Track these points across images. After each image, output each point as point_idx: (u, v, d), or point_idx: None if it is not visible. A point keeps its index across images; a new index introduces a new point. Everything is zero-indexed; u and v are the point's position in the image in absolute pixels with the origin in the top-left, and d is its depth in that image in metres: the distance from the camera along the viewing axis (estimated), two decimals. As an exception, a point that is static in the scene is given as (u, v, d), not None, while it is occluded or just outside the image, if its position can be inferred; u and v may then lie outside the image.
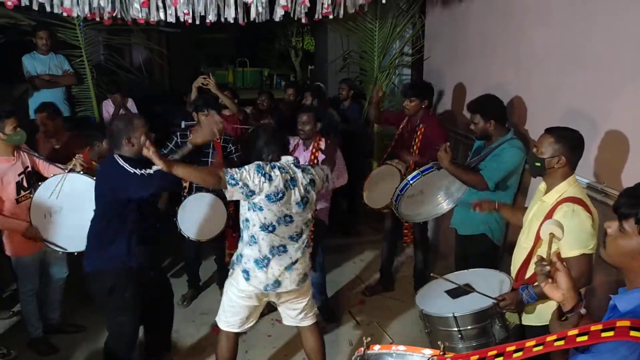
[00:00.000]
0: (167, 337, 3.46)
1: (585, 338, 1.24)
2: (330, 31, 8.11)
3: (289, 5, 3.72)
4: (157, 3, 3.73)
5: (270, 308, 3.64)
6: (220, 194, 4.07)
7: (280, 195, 2.69)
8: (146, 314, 3.07)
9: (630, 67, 2.66)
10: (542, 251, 2.08)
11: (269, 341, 3.77)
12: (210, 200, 3.93)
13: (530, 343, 1.29)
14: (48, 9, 3.59)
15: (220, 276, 4.40)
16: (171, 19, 3.84)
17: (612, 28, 2.79)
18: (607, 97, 2.84)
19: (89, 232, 2.92)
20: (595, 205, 2.40)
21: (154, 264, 3.17)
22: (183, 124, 4.34)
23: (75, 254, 3.35)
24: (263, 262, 2.75)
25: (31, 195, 3.31)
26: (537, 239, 2.37)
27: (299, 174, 2.80)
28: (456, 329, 2.44)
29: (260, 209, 2.69)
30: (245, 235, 2.80)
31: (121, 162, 2.77)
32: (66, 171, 3.33)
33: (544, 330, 2.33)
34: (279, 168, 2.73)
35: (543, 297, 2.26)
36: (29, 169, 3.42)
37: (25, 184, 3.36)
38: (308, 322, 3.05)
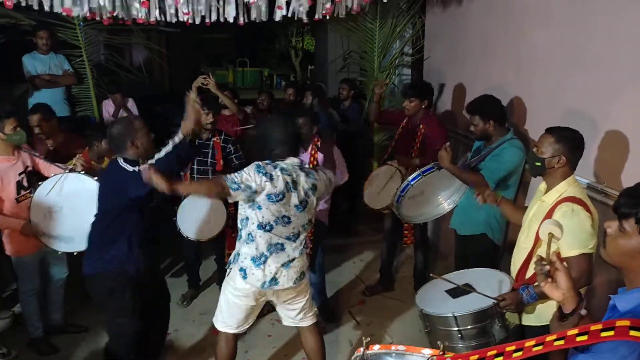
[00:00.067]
0: (161, 340, 3.45)
1: (585, 338, 1.24)
2: (331, 31, 8.10)
3: (283, 6, 3.71)
4: (158, 3, 3.73)
5: (270, 308, 3.64)
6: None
7: (281, 196, 2.68)
8: (144, 315, 3.07)
9: (630, 68, 2.66)
10: (541, 251, 2.08)
11: (269, 341, 3.77)
12: (210, 200, 3.93)
13: (530, 343, 1.29)
14: (47, 8, 3.58)
15: (220, 276, 4.39)
16: (173, 18, 3.83)
17: (612, 28, 2.79)
18: (607, 97, 2.84)
19: (89, 233, 2.92)
20: (595, 205, 2.40)
21: (153, 265, 3.16)
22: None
23: (75, 254, 3.35)
24: (260, 260, 2.74)
25: (31, 195, 3.31)
26: (537, 239, 2.37)
27: (302, 177, 2.78)
28: (456, 329, 2.44)
29: (259, 207, 2.69)
30: (243, 233, 2.80)
31: (122, 164, 2.80)
32: (67, 171, 3.34)
33: (543, 330, 2.33)
34: (282, 169, 2.71)
35: (543, 297, 2.26)
36: (29, 168, 3.43)
37: (25, 183, 3.36)
38: (307, 322, 3.04)
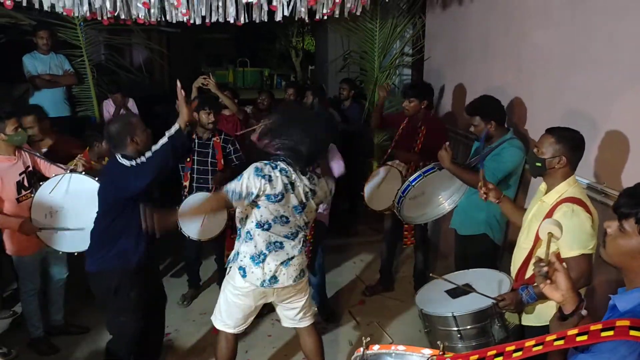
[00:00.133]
0: (160, 340, 3.45)
1: (584, 338, 1.24)
2: (331, 31, 8.11)
3: (278, 6, 3.71)
4: (158, 3, 3.73)
5: (270, 308, 3.64)
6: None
7: (280, 197, 2.67)
8: (145, 315, 3.07)
9: (630, 68, 2.66)
10: (541, 251, 2.08)
11: (269, 341, 3.77)
12: (211, 200, 3.93)
13: (529, 343, 1.29)
14: (46, 7, 3.58)
15: (220, 276, 4.39)
16: (175, 19, 3.84)
17: (612, 28, 2.79)
18: (607, 97, 2.84)
19: (92, 231, 2.92)
20: (595, 205, 2.40)
21: (154, 264, 3.17)
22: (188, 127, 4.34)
23: (76, 254, 3.36)
24: (259, 258, 2.74)
25: (32, 195, 3.31)
26: (537, 239, 2.37)
27: (304, 181, 2.75)
28: (455, 329, 2.44)
29: (258, 206, 2.69)
30: (242, 232, 2.80)
31: (120, 159, 2.81)
32: (67, 171, 3.34)
33: (543, 330, 2.33)
34: (281, 169, 2.70)
35: (543, 298, 2.26)
36: (30, 168, 3.43)
37: (26, 183, 3.36)
38: (306, 322, 3.03)
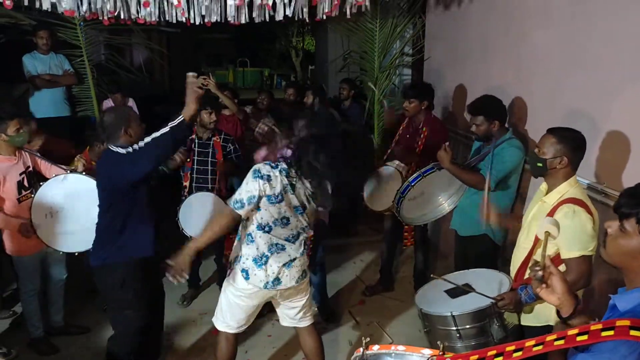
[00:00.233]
0: (159, 340, 3.45)
1: (585, 337, 1.24)
2: (331, 31, 8.12)
3: (270, 3, 3.71)
4: (159, 3, 3.73)
5: (270, 308, 3.64)
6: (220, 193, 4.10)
7: (280, 197, 2.66)
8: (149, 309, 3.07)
9: (630, 68, 2.66)
10: (538, 254, 2.08)
11: (269, 341, 3.77)
12: (212, 200, 3.93)
13: (530, 343, 1.29)
14: (45, 7, 3.57)
15: (220, 276, 4.40)
16: (175, 19, 3.84)
17: (612, 28, 2.79)
18: (607, 97, 2.84)
19: (96, 227, 2.92)
20: (595, 205, 2.40)
21: (157, 259, 3.17)
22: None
23: (76, 254, 3.36)
24: (262, 260, 2.74)
25: (32, 195, 3.31)
26: (537, 239, 2.37)
27: (306, 183, 2.73)
28: (454, 328, 2.44)
29: (259, 209, 2.68)
30: (243, 234, 2.80)
31: (114, 148, 2.78)
32: (68, 171, 3.34)
33: (542, 330, 2.34)
34: (281, 170, 2.68)
35: (541, 298, 2.26)
36: (30, 168, 3.43)
37: (26, 183, 3.36)
38: (306, 322, 3.03)
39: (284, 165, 2.69)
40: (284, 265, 2.77)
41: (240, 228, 2.83)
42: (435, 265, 4.80)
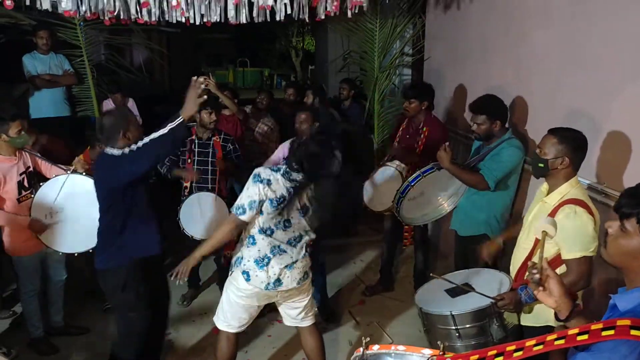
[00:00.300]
0: (161, 340, 3.44)
1: (585, 337, 1.24)
2: (331, 31, 8.11)
3: (271, 4, 3.71)
4: (159, 3, 3.73)
5: (270, 308, 3.64)
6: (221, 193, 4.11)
7: (281, 200, 2.66)
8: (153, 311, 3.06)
9: (630, 67, 2.66)
10: (536, 258, 2.08)
11: (269, 341, 3.77)
12: (212, 200, 3.94)
13: (530, 342, 1.29)
14: (45, 7, 3.57)
15: (220, 276, 4.40)
16: (173, 19, 3.84)
17: (612, 28, 2.79)
18: (607, 97, 2.84)
19: (98, 231, 2.91)
20: (595, 205, 2.40)
21: (161, 260, 3.17)
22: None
23: (76, 254, 3.36)
24: (263, 262, 2.74)
25: (32, 195, 3.31)
26: (537, 239, 2.37)
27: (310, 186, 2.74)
28: (454, 328, 2.45)
29: (261, 212, 2.68)
30: (244, 236, 2.80)
31: (109, 150, 2.77)
32: (68, 172, 3.34)
33: (542, 331, 2.34)
34: (284, 173, 2.68)
35: (541, 298, 2.26)
36: (31, 169, 3.43)
37: (26, 183, 3.36)
38: (308, 322, 3.04)
39: (286, 168, 2.69)
40: (285, 267, 2.77)
41: (241, 230, 2.83)
42: (435, 265, 4.79)
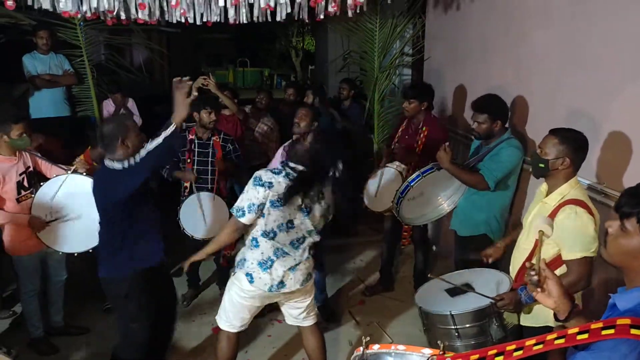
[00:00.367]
0: (168, 341, 3.44)
1: (585, 336, 1.24)
2: (331, 31, 8.11)
3: (273, 6, 3.71)
4: (159, 4, 3.73)
5: (270, 308, 3.65)
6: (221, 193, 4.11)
7: (283, 200, 2.67)
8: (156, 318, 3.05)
9: (630, 67, 2.66)
10: (542, 253, 2.08)
11: (269, 341, 3.77)
12: (212, 200, 3.94)
13: (530, 342, 1.29)
14: (45, 7, 3.57)
15: (220, 276, 4.40)
16: (173, 19, 3.84)
17: (612, 28, 2.79)
18: (607, 97, 2.84)
19: (99, 239, 2.91)
20: (595, 205, 2.40)
21: (166, 266, 3.17)
22: (183, 125, 4.34)
23: (76, 254, 3.36)
24: (267, 264, 2.74)
25: (32, 195, 3.31)
26: (537, 240, 2.36)
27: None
28: (453, 327, 2.45)
29: (263, 215, 2.68)
30: (247, 238, 2.80)
31: (109, 164, 2.74)
32: (69, 172, 3.34)
33: (541, 331, 2.33)
34: (285, 174, 2.68)
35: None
36: (31, 169, 3.43)
37: (26, 183, 3.36)
38: (310, 321, 3.05)
39: (289, 170, 2.69)
40: (289, 269, 2.77)
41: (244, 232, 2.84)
42: (435, 265, 4.79)
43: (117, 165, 2.71)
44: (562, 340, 1.26)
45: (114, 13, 3.74)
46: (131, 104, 5.75)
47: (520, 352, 1.27)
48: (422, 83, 4.86)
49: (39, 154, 3.55)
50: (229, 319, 2.92)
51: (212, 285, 4.56)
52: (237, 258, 2.87)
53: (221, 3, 3.70)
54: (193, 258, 2.90)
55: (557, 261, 2.35)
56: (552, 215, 2.33)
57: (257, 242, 2.74)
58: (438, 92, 4.96)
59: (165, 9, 3.75)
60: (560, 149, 2.36)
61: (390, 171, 3.99)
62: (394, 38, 5.66)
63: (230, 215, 3.83)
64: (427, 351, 1.76)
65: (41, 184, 3.33)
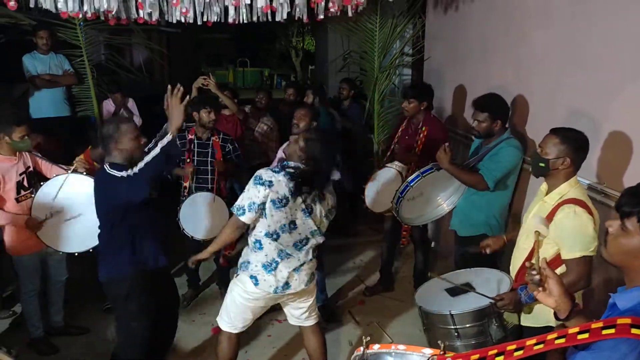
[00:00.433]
0: (169, 342, 3.44)
1: (586, 336, 1.24)
2: (331, 31, 8.11)
3: (278, 8, 3.71)
4: (159, 3, 3.73)
5: (270, 308, 3.64)
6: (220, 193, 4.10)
7: (285, 201, 2.66)
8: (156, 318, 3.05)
9: (630, 67, 2.66)
10: (541, 252, 2.08)
11: (269, 341, 3.77)
12: (212, 200, 3.93)
13: (530, 341, 1.29)
14: (45, 7, 3.57)
15: (220, 276, 4.40)
16: (173, 19, 3.84)
17: (612, 28, 2.79)
18: (607, 97, 2.84)
19: (99, 241, 2.91)
20: (595, 205, 2.39)
21: (167, 268, 3.17)
22: (183, 125, 4.34)
23: (76, 254, 3.36)
24: (271, 266, 2.74)
25: (32, 195, 3.32)
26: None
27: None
28: (453, 327, 2.45)
29: (265, 216, 2.68)
30: (250, 240, 2.79)
31: (109, 170, 2.74)
32: (69, 172, 3.34)
33: (542, 331, 2.33)
34: (285, 174, 2.68)
35: (541, 298, 2.26)
36: (31, 169, 3.43)
37: (26, 183, 3.37)
38: (311, 321, 3.06)
39: (289, 170, 2.69)
40: (293, 270, 2.78)
41: (247, 233, 2.84)
42: (435, 265, 4.79)
43: (116, 173, 2.71)
44: (562, 340, 1.26)
45: (114, 13, 3.73)
46: (131, 104, 5.75)
47: (521, 352, 1.27)
48: (422, 83, 4.86)
49: (39, 154, 3.55)
50: (231, 320, 2.92)
51: (212, 285, 4.56)
52: (240, 260, 2.87)
53: (227, 2, 3.70)
54: (198, 257, 2.96)
55: (556, 261, 2.35)
56: (551, 214, 2.33)
57: (260, 244, 2.74)
58: (438, 92, 4.96)
59: (165, 8, 3.74)
60: (561, 148, 2.36)
61: (390, 171, 3.99)
62: (394, 38, 5.66)
63: (231, 214, 3.87)
64: (428, 351, 1.77)
65: (41, 184, 3.33)
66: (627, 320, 1.22)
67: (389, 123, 5.68)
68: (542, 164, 2.41)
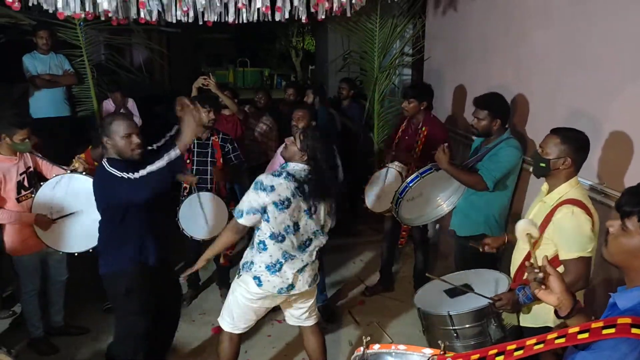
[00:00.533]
0: (169, 340, 3.44)
1: (586, 335, 1.24)
2: (331, 31, 8.11)
3: (282, 8, 3.71)
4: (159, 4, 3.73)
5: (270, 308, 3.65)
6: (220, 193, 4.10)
7: (287, 203, 2.65)
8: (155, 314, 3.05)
9: (630, 67, 2.66)
10: (540, 252, 2.08)
11: (269, 341, 3.77)
12: (211, 200, 3.93)
13: (530, 341, 1.29)
14: (45, 7, 3.57)
15: (220, 276, 4.40)
16: (174, 18, 3.83)
17: (612, 28, 2.79)
18: (607, 97, 2.84)
19: (99, 234, 2.91)
20: (595, 205, 2.39)
21: (168, 264, 3.17)
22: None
23: (76, 254, 3.36)
24: (275, 267, 2.74)
25: (32, 195, 3.32)
26: (536, 240, 2.36)
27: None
28: (452, 328, 2.45)
29: (268, 219, 2.67)
30: (254, 242, 2.79)
31: (108, 167, 2.72)
32: (69, 172, 3.34)
33: (541, 331, 2.34)
34: (286, 175, 2.68)
35: (539, 298, 2.26)
36: (31, 169, 3.43)
37: (26, 183, 3.37)
38: (311, 322, 3.05)
39: (289, 170, 2.70)
40: (298, 270, 2.78)
41: (251, 235, 2.84)
42: (435, 265, 4.80)
43: (116, 173, 2.68)
44: (562, 340, 1.26)
45: (113, 12, 3.73)
46: (131, 104, 5.75)
47: (521, 351, 1.27)
48: (422, 83, 4.86)
49: (39, 154, 3.55)
50: (234, 321, 2.91)
51: (212, 285, 4.56)
52: (242, 261, 2.87)
53: (230, 4, 3.70)
54: (193, 268, 2.93)
55: (554, 261, 2.35)
56: (550, 214, 2.33)
57: (264, 245, 2.74)
58: (438, 92, 4.96)
59: (165, 8, 3.74)
60: (562, 148, 2.36)
61: (390, 171, 3.99)
62: (394, 38, 5.66)
63: (231, 216, 3.87)
64: (428, 351, 1.77)
65: (41, 183, 3.34)
66: (628, 320, 1.22)
67: (389, 123, 5.69)
68: (542, 164, 2.41)
